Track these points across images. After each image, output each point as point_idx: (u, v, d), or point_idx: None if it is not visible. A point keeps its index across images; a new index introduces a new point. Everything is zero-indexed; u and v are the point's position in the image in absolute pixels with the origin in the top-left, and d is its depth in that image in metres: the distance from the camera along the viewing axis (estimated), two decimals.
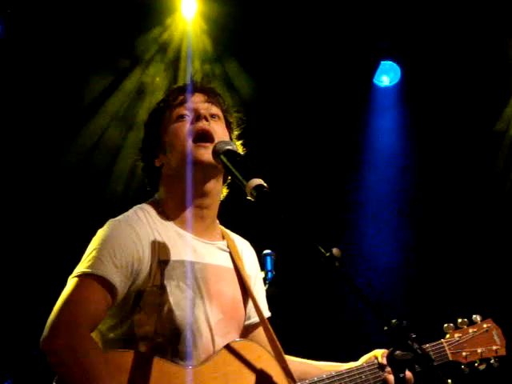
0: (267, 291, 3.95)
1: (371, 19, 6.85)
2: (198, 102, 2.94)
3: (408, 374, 2.84)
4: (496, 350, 3.22)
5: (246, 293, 3.00)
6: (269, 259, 4.13)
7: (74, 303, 2.60)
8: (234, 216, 3.18)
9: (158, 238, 2.78)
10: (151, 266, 2.72)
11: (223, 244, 3.00)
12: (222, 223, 3.10)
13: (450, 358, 3.14)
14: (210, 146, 2.80)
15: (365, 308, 2.88)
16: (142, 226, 2.79)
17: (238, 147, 2.97)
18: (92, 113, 6.40)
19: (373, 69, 7.28)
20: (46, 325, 2.58)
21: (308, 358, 3.15)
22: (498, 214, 6.89)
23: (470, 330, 3.22)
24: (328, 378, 2.93)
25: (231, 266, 2.98)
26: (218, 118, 2.96)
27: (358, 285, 2.47)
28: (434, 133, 7.01)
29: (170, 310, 2.70)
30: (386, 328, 2.38)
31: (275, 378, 2.82)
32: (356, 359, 3.13)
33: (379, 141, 7.28)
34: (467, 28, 6.68)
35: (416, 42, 6.90)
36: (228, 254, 2.99)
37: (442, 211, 6.99)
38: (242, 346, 2.83)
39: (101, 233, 2.76)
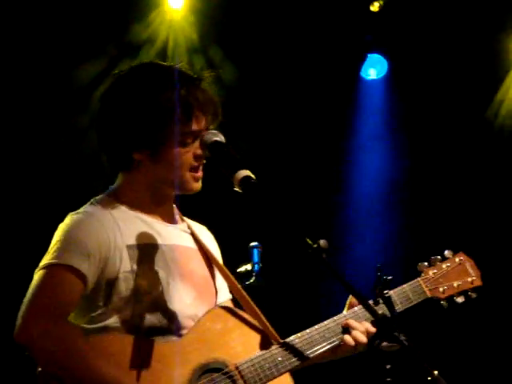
0: (254, 284, 3.96)
1: (357, 12, 6.86)
2: (204, 126, 2.83)
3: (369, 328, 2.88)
4: (472, 281, 3.25)
5: (213, 271, 3.00)
6: (255, 251, 4.12)
7: (44, 292, 2.59)
8: (220, 208, 3.18)
9: (122, 225, 2.76)
10: (119, 251, 2.71)
11: (185, 226, 3.01)
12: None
13: (428, 295, 3.17)
14: (202, 176, 2.86)
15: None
16: (103, 215, 2.77)
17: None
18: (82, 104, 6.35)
19: (359, 62, 7.28)
20: (17, 317, 2.58)
21: None
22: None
23: (444, 266, 3.24)
24: (311, 331, 2.90)
25: (195, 246, 2.98)
26: None
27: (345, 277, 2.49)
28: (422, 125, 7.02)
29: (146, 293, 2.70)
30: (373, 319, 2.40)
31: (259, 341, 2.82)
32: None
33: (366, 134, 7.28)
34: (454, 20, 6.69)
35: (403, 35, 6.91)
36: (191, 236, 2.99)
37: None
38: (220, 313, 2.84)
39: (63, 225, 2.74)
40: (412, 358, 2.31)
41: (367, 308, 2.47)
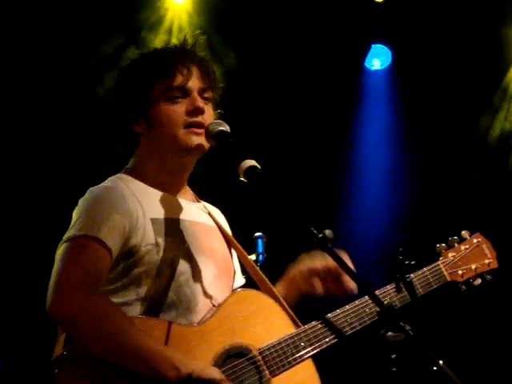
0: None
1: (361, 2, 6.84)
2: (194, 83, 2.84)
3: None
4: (489, 264, 3.23)
5: (231, 251, 3.00)
6: (260, 242, 4.12)
7: (75, 264, 2.53)
8: (225, 198, 3.18)
9: (141, 199, 2.74)
10: (142, 224, 2.67)
11: (201, 205, 3.01)
12: (214, 205, 3.09)
13: (448, 279, 3.14)
14: (202, 133, 2.79)
15: (358, 290, 2.91)
16: (124, 190, 2.75)
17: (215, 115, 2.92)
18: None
19: (363, 52, 7.26)
20: (48, 292, 2.50)
21: None
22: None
23: (462, 247, 3.20)
24: (333, 316, 2.88)
25: (214, 224, 2.97)
26: (209, 100, 2.91)
27: (350, 266, 2.49)
28: (425, 116, 7.02)
29: (168, 267, 2.68)
30: (378, 309, 2.40)
31: (282, 325, 2.80)
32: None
33: (370, 125, 7.28)
34: (458, 10, 6.67)
35: (407, 25, 6.89)
36: (208, 215, 2.98)
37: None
38: (244, 296, 2.83)
39: (83, 200, 2.72)
40: (417, 347, 2.31)
41: (372, 298, 2.46)
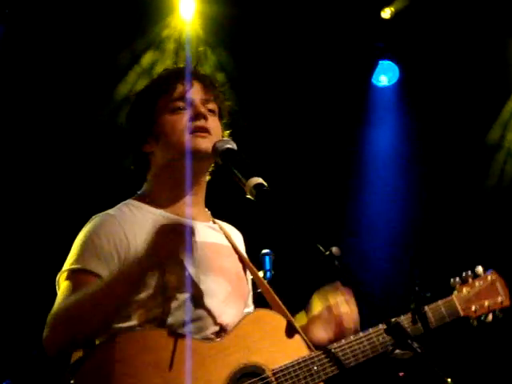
0: None
1: (369, 19, 6.86)
2: (196, 94, 2.89)
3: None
4: (501, 302, 3.22)
5: (246, 271, 3.01)
6: (267, 258, 4.12)
7: (61, 301, 2.63)
8: (233, 215, 3.17)
9: (147, 224, 2.74)
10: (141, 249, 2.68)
11: (216, 226, 3.02)
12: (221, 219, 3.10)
13: (462, 314, 3.13)
14: (208, 136, 2.81)
15: (365, 307, 2.90)
16: (125, 216, 2.79)
17: (226, 136, 2.95)
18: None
19: (371, 68, 7.28)
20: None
21: None
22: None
23: (477, 283, 3.20)
24: (347, 343, 2.87)
25: (229, 244, 2.98)
26: (214, 112, 2.94)
27: (357, 284, 2.48)
28: (433, 132, 7.01)
29: (175, 289, 2.68)
30: (385, 327, 2.39)
31: (296, 347, 2.81)
32: None
33: (378, 141, 7.28)
34: (466, 27, 6.68)
35: (414, 42, 6.91)
36: (223, 235, 3.00)
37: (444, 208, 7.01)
38: (261, 316, 2.82)
39: (83, 229, 2.79)
40: (425, 365, 2.30)
41: (379, 315, 2.46)
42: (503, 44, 6.79)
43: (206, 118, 2.85)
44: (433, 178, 7.07)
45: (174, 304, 2.68)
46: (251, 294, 3.08)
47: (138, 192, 2.96)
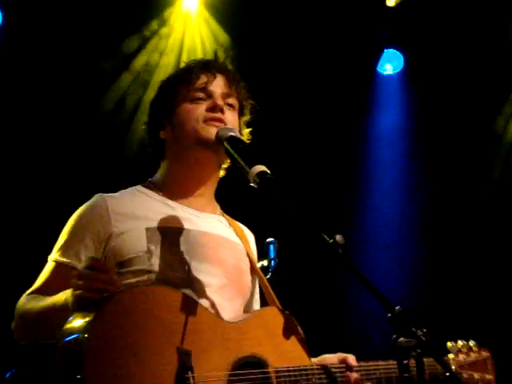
0: (270, 280, 3.95)
1: (374, 7, 6.84)
2: (217, 87, 2.94)
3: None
4: (489, 381, 3.27)
5: (251, 269, 3.02)
6: (272, 247, 4.10)
7: (25, 298, 2.83)
8: (236, 203, 3.17)
9: (141, 209, 2.81)
10: (129, 234, 2.74)
11: (222, 218, 3.04)
12: (224, 210, 3.09)
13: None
14: (221, 126, 2.83)
15: (369, 295, 2.89)
16: (125, 200, 2.84)
17: (245, 134, 3.01)
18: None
19: (376, 57, 7.26)
20: None
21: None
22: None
23: (472, 355, 3.26)
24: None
25: (236, 239, 3.00)
26: (233, 107, 2.97)
27: (361, 271, 2.47)
28: (438, 120, 6.99)
29: (162, 273, 2.70)
30: (389, 315, 2.38)
31: (299, 352, 2.83)
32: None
33: (382, 130, 7.27)
34: (471, 14, 6.65)
35: (419, 30, 6.88)
36: (231, 229, 3.01)
37: (450, 211, 6.99)
38: (278, 313, 2.84)
39: (76, 212, 2.86)
40: (429, 353, 2.29)
41: (382, 303, 2.45)
42: (510, 31, 6.76)
43: (222, 111, 2.89)
44: (437, 167, 7.06)
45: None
46: (256, 291, 3.08)
47: (150, 179, 3.00)
